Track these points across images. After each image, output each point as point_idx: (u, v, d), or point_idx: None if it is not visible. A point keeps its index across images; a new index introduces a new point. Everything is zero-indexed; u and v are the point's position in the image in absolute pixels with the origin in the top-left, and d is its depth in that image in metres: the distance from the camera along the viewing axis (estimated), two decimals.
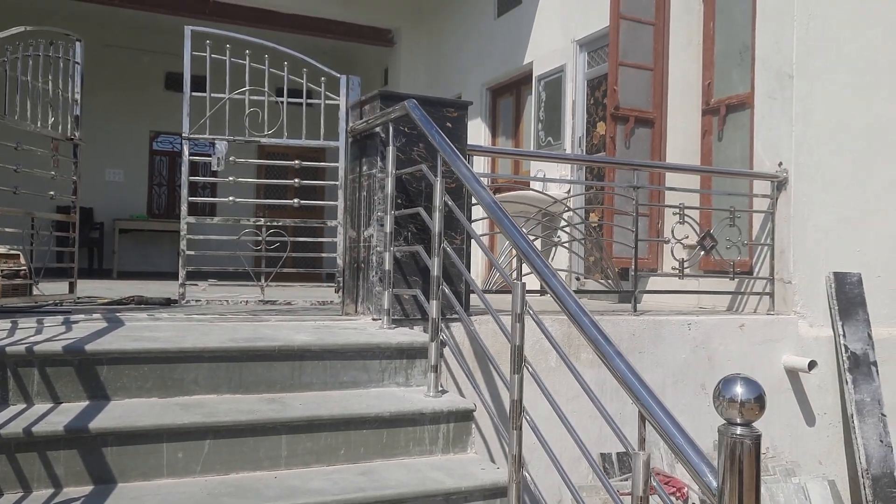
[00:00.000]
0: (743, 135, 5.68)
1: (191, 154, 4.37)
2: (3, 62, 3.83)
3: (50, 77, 4.18)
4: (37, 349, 2.91)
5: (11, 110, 3.93)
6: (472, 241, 4.02)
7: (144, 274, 11.17)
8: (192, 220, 4.29)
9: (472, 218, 4.33)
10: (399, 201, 4.00)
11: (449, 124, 4.28)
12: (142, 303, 4.69)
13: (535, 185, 7.28)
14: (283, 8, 10.11)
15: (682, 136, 6.25)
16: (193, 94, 4.27)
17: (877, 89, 5.31)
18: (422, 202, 4.13)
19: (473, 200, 4.00)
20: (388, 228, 3.84)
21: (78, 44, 4.42)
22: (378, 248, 4.02)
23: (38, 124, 4.12)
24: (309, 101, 4.43)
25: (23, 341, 3.00)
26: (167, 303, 4.74)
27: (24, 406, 2.87)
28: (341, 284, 4.36)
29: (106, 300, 4.70)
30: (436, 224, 3.38)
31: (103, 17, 10.89)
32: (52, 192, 4.18)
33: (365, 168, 4.30)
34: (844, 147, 5.19)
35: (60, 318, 3.69)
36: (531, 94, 8.31)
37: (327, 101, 4.43)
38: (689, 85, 6.24)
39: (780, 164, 5.11)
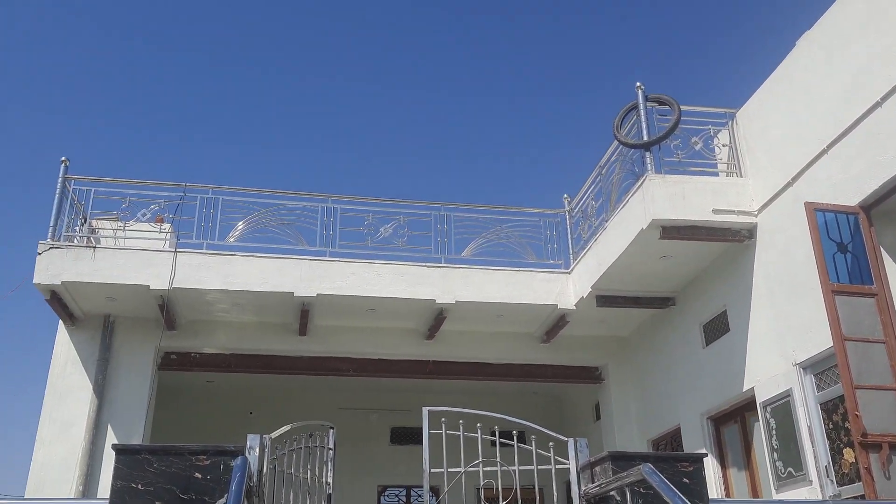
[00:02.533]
0: None
1: None
2: (273, 459, 4.34)
3: (309, 466, 4.64)
4: None
5: (276, 501, 4.35)
6: None
7: None
8: None
9: None
10: None
11: (686, 480, 4.16)
12: None
13: None
14: (494, 359, 10.80)
15: None
16: (433, 470, 4.51)
17: None
18: None
19: None
20: None
21: (331, 431, 4.95)
22: None
23: None
24: (540, 466, 4.52)
25: None
26: None
27: None
28: None
29: None
30: None
31: (338, 384, 12.16)
32: None
33: None
34: None
35: None
36: (758, 420, 7.91)
37: (557, 466, 4.50)
38: None
39: None
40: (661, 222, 7.89)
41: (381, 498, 12.94)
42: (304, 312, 9.56)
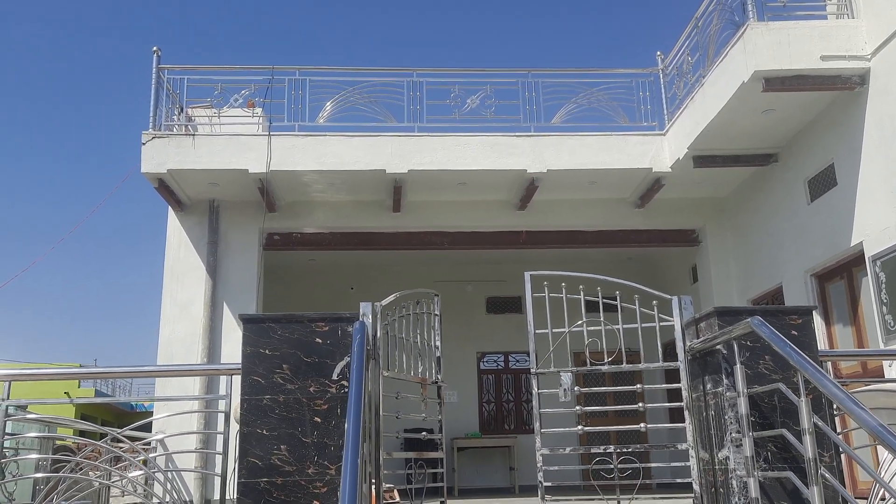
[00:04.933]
0: None
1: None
2: (385, 325, 4.57)
3: (418, 331, 4.86)
4: None
5: (392, 364, 4.61)
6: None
7: (479, 491, 11.63)
8: (546, 451, 4.50)
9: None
10: (753, 419, 3.86)
11: (794, 332, 4.14)
12: None
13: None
14: (588, 227, 10.77)
15: None
16: (537, 331, 4.65)
17: None
18: (777, 418, 3.94)
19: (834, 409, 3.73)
20: (747, 451, 3.69)
21: (436, 298, 5.13)
22: (738, 472, 3.84)
23: (411, 373, 4.76)
24: (644, 324, 4.58)
25: None
26: None
27: None
28: None
29: None
30: (808, 449, 3.19)
31: (434, 258, 12.47)
32: (424, 433, 4.70)
33: (709, 387, 4.25)
34: None
35: None
36: (866, 275, 7.68)
37: (661, 324, 4.55)
38: None
39: None
40: (765, 73, 7.45)
41: (481, 363, 13.48)
42: (396, 189, 9.72)
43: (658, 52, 10.13)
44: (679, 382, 4.54)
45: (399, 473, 4.71)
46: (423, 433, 4.78)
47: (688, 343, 4.47)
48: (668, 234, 10.95)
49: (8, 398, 3.85)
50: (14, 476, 5.13)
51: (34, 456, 5.62)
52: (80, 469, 4.29)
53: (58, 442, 6.73)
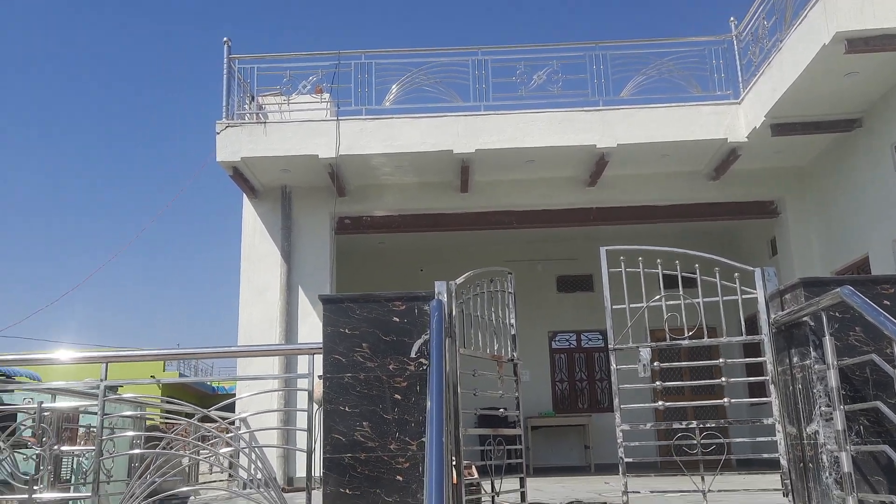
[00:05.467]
0: None
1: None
2: (460, 303, 4.58)
3: (492, 309, 4.86)
4: None
5: (468, 342, 4.63)
6: None
7: (554, 469, 11.61)
8: (626, 427, 4.46)
9: None
10: (843, 392, 3.73)
11: (886, 302, 3.97)
12: None
13: None
14: (661, 201, 10.54)
15: None
16: (614, 307, 4.59)
17: None
18: (870, 391, 3.80)
19: None
20: (838, 425, 3.57)
21: (510, 276, 5.11)
22: (828, 447, 3.72)
23: (487, 351, 4.77)
24: (725, 297, 4.47)
25: None
26: None
27: None
28: (789, 487, 4.08)
29: None
30: None
31: (503, 237, 12.44)
32: (502, 409, 4.71)
33: (795, 360, 4.12)
34: None
35: None
36: None
37: (743, 297, 4.43)
38: None
39: None
40: (847, 34, 7.11)
41: (552, 343, 13.41)
42: (464, 169, 9.71)
43: (731, 18, 9.79)
44: (761, 356, 4.42)
45: (477, 450, 4.73)
46: (501, 409, 4.79)
47: (772, 316, 4.33)
48: (745, 207, 10.63)
49: (105, 378, 4.04)
50: (111, 453, 5.39)
51: (130, 433, 5.89)
52: (171, 447, 4.46)
53: (148, 422, 7.04)
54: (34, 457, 4.85)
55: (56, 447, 4.48)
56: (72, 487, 5.89)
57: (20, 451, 4.86)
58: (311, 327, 9.43)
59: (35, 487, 4.57)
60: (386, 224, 10.72)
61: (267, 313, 9.80)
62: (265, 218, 10.17)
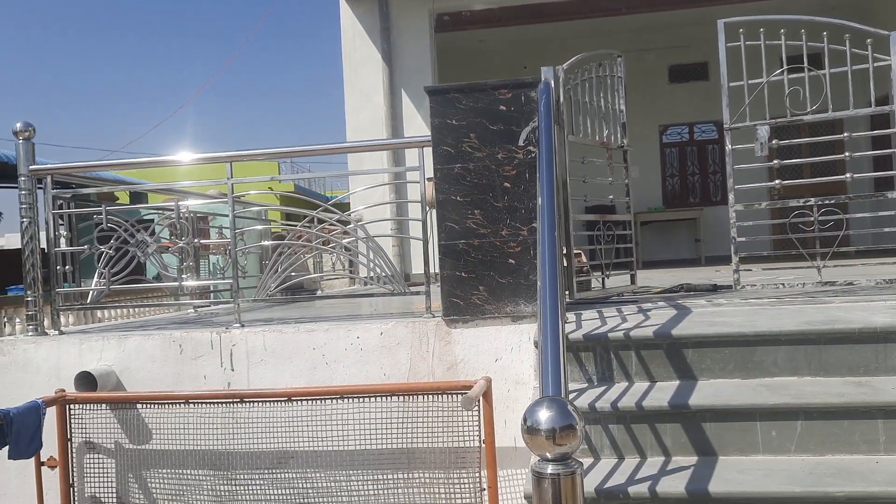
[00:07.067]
0: None
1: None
2: (568, 89, 4.48)
3: (601, 94, 4.73)
4: (632, 334, 3.35)
5: (576, 129, 4.58)
6: None
7: (664, 262, 11.72)
8: (739, 207, 4.40)
9: None
10: None
11: None
12: (690, 290, 4.98)
13: None
14: None
15: None
16: (731, 84, 4.37)
17: None
18: None
19: None
20: None
21: (619, 59, 4.91)
22: None
23: (596, 137, 4.71)
24: (854, 66, 4.15)
25: (617, 328, 3.48)
26: (714, 289, 4.95)
27: (627, 384, 3.32)
28: None
29: (658, 289, 5.11)
30: None
31: (611, 27, 11.78)
32: (611, 196, 4.73)
33: None
34: None
35: (633, 307, 4.16)
36: None
37: (875, 64, 4.09)
38: None
39: None
40: None
41: (663, 137, 13.01)
42: None
43: None
44: (891, 128, 4.16)
45: (586, 237, 4.82)
46: (610, 197, 4.80)
47: None
48: None
49: (231, 177, 4.30)
50: (243, 252, 5.86)
51: (259, 227, 6.36)
52: (294, 250, 4.76)
53: (273, 230, 7.51)
54: (176, 254, 5.35)
55: (196, 241, 4.92)
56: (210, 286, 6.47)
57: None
58: (417, 130, 9.50)
59: (183, 276, 5.08)
60: (486, 18, 10.34)
61: (373, 118, 9.91)
62: (364, 20, 9.99)
